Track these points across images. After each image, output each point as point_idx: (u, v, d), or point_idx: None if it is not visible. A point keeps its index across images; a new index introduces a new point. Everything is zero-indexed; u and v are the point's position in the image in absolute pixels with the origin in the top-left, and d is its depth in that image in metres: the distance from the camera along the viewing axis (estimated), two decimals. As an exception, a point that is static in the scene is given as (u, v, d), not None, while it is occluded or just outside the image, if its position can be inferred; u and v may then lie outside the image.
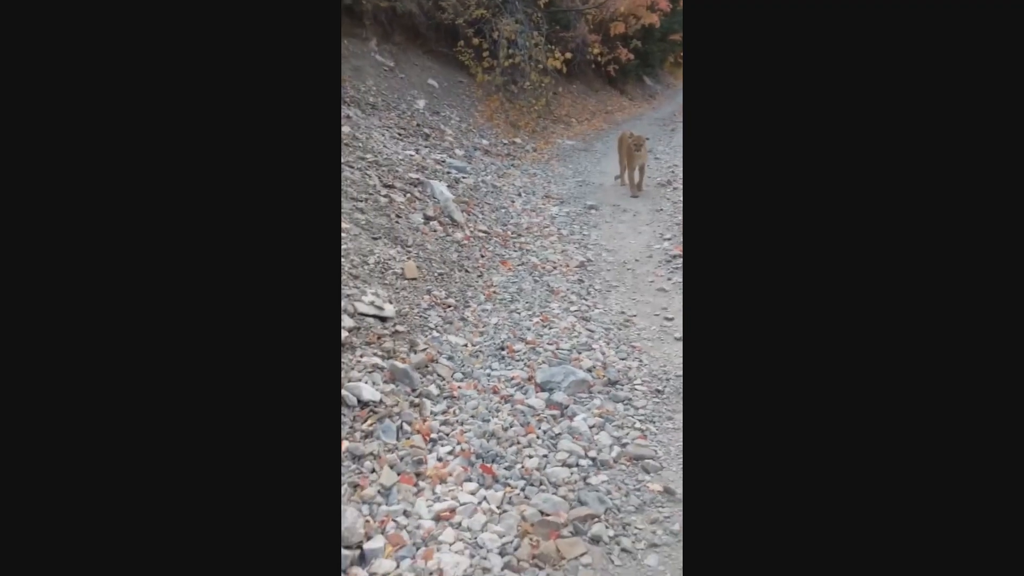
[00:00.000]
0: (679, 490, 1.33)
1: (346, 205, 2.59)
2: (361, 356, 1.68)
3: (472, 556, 1.15)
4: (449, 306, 2.24)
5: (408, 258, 2.40)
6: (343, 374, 1.54)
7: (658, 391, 1.77)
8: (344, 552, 1.11)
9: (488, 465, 1.40)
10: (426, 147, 4.42)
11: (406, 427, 1.50)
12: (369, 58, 5.39)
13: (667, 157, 5.71)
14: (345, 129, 3.54)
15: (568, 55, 6.78)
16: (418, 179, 3.26)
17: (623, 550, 1.20)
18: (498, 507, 1.28)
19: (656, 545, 1.21)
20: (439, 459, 1.41)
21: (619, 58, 8.66)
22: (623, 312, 2.36)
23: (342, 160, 3.03)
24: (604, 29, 8.37)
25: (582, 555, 1.17)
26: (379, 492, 1.29)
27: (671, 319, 2.27)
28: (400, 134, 4.45)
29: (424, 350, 1.84)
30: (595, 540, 1.21)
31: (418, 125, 4.96)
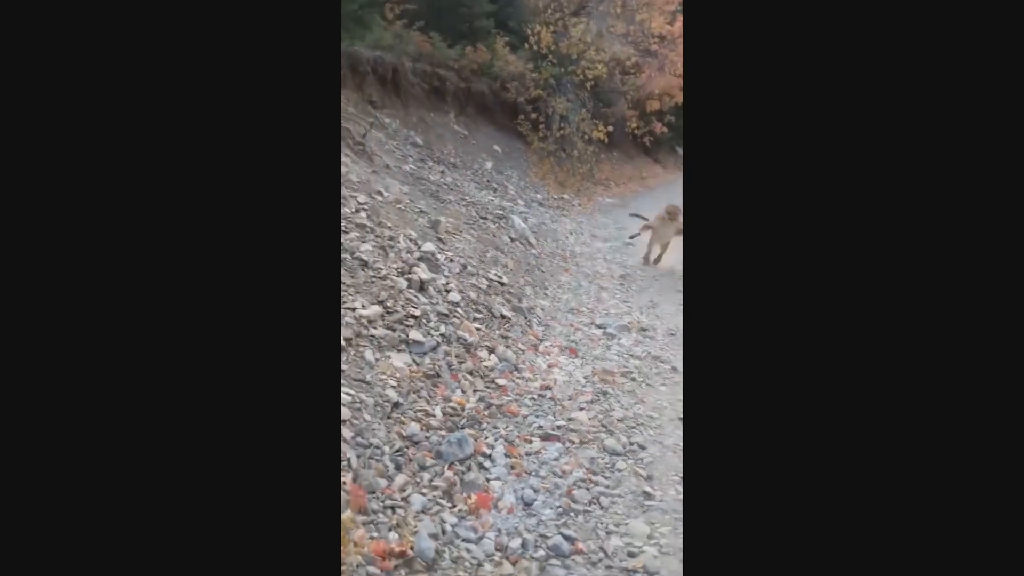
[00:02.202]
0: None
1: (462, 226, 4.12)
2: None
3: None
4: (534, 285, 3.71)
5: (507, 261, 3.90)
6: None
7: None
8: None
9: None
10: (495, 197, 6.04)
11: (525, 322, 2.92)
12: (449, 128, 7.19)
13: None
14: (448, 179, 5.19)
15: (609, 128, 8.54)
16: (501, 214, 4.82)
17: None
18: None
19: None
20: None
21: (654, 131, 10.45)
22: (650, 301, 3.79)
23: (447, 200, 4.58)
24: (641, 106, 10.21)
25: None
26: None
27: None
28: (477, 186, 6.10)
29: (528, 301, 3.29)
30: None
31: (487, 181, 6.63)
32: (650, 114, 10.29)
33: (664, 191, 9.15)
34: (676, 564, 1.42)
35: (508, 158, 7.63)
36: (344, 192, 3.14)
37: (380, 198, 3.43)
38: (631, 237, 5.07)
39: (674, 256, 4.64)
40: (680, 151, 12.91)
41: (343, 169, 3.36)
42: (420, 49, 6.85)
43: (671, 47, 9.52)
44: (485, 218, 4.64)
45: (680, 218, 4.47)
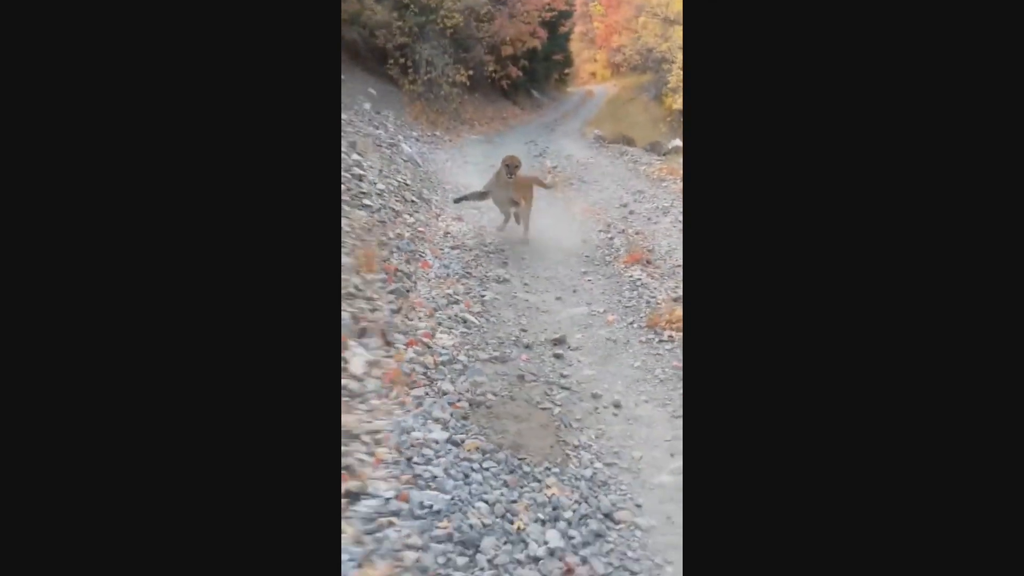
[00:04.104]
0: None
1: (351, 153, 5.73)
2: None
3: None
4: (429, 186, 5.47)
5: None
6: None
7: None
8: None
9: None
10: (380, 131, 7.60)
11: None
12: (327, 72, 8.53)
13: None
14: (344, 116, 6.68)
15: (470, 72, 10.29)
16: (392, 142, 6.48)
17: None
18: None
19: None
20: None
21: (510, 75, 12.36)
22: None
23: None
24: (496, 51, 12.02)
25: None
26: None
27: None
28: (362, 122, 7.59)
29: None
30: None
31: (369, 119, 8.12)
32: (505, 58, 12.16)
33: (523, 130, 11.18)
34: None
35: (383, 100, 9.11)
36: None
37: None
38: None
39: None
40: (536, 95, 15.03)
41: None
42: None
43: (518, -4, 11.44)
44: (380, 145, 6.26)
45: (519, 171, 4.09)
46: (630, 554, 1.62)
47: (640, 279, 3.71)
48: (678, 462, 1.99)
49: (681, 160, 7.46)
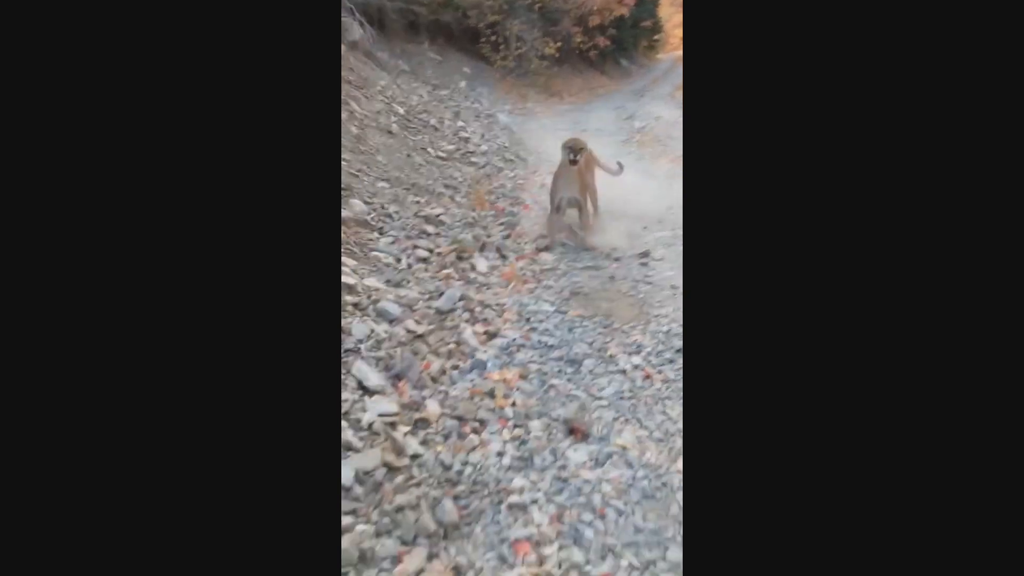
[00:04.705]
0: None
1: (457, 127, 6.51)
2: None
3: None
4: (527, 148, 6.17)
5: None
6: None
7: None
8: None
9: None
10: (476, 105, 8.39)
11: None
12: (426, 56, 9.41)
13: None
14: (439, 94, 7.53)
15: (559, 44, 10.87)
16: (489, 114, 7.25)
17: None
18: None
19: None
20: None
21: (598, 45, 12.80)
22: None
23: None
24: (584, 22, 12.49)
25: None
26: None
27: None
28: (460, 97, 8.42)
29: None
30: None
31: (465, 96, 8.95)
32: (593, 29, 12.61)
33: (612, 98, 11.62)
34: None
35: (477, 77, 9.93)
36: (388, 95, 5.48)
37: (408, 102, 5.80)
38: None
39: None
40: (624, 63, 15.32)
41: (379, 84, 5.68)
42: (394, -11, 8.98)
43: (604, -34, 11.85)
44: (478, 117, 7.04)
45: (585, 153, 3.54)
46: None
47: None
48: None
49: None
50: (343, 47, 5.89)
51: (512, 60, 10.25)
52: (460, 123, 5.86)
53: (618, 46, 14.30)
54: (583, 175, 3.60)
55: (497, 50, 10.25)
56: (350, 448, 1.60)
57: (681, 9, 21.72)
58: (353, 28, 6.66)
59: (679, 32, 21.96)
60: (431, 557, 1.41)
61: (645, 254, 3.44)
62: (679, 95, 11.14)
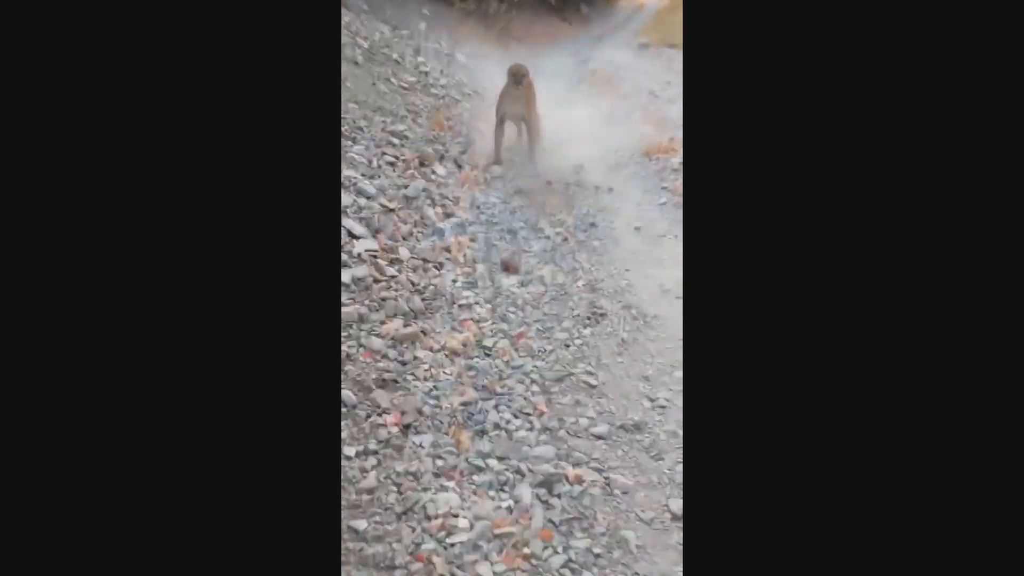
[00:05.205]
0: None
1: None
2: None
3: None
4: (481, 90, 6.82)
5: (461, 73, 6.95)
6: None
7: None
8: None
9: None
10: (436, 46, 8.91)
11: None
12: (385, -6, 9.78)
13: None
14: (404, 32, 8.04)
15: (518, -12, 11.34)
16: (447, 54, 7.81)
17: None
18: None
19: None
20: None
21: (558, -10, 13.25)
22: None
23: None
24: (544, -33, 12.92)
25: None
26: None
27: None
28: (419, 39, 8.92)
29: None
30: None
31: (425, 38, 9.43)
32: (552, -26, 13.05)
33: (570, 43, 12.20)
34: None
35: (437, 19, 10.38)
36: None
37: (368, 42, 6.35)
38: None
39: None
40: (585, 10, 15.82)
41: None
42: (354, -74, 9.30)
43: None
44: (438, 56, 7.61)
45: (526, 82, 4.25)
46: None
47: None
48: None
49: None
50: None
51: (471, 3, 10.72)
52: (420, 59, 6.45)
53: (578, -8, 14.78)
54: (527, 98, 4.31)
55: (457, -8, 10.70)
56: (346, 265, 2.34)
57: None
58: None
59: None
60: (406, 325, 2.17)
61: (579, 168, 4.19)
62: (634, 40, 11.77)
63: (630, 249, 3.08)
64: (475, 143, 4.63)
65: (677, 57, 9.28)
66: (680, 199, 3.71)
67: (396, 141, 4.03)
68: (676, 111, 5.91)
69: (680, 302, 2.50)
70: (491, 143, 4.58)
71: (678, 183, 3.85)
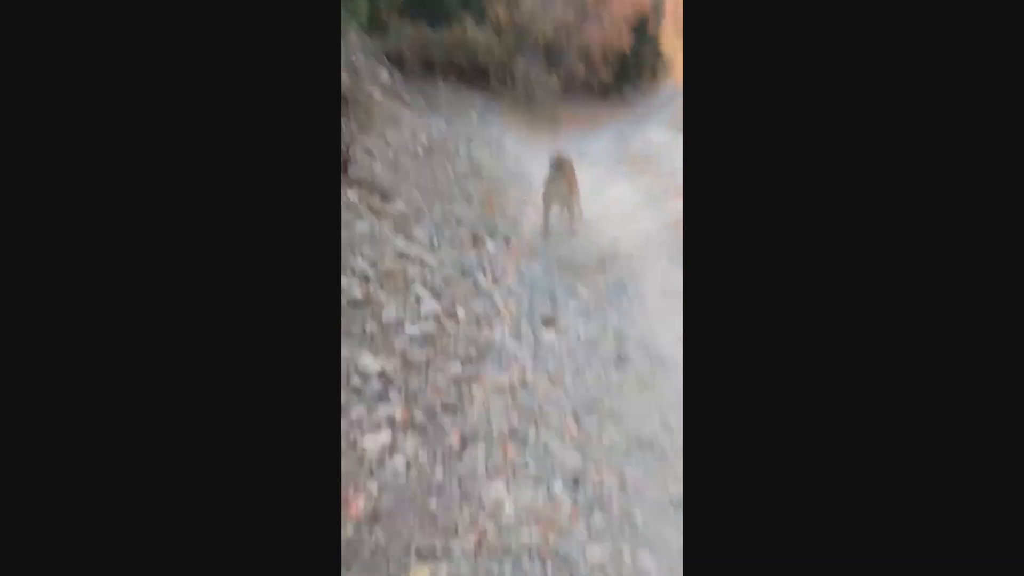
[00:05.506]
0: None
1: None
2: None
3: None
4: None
5: (510, 159, 7.79)
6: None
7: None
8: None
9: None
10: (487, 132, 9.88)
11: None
12: (441, 93, 10.98)
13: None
14: (458, 123, 9.04)
15: (562, 77, 12.46)
16: (499, 142, 8.72)
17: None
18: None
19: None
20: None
21: (600, 77, 14.38)
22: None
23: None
24: (588, 58, 14.10)
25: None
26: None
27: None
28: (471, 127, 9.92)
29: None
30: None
31: (477, 127, 10.46)
32: (595, 62, 14.20)
33: (613, 125, 13.14)
34: None
35: (488, 110, 11.50)
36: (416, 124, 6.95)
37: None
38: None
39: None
40: (627, 93, 16.92)
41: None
42: (413, 33, 10.62)
43: (603, 5, 13.51)
44: (489, 144, 8.52)
45: (568, 168, 5.03)
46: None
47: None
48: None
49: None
50: (375, 89, 7.43)
51: (520, 94, 11.83)
52: (473, 148, 7.31)
53: (621, 77, 15.92)
54: (568, 183, 5.05)
55: (505, 84, 11.84)
56: (413, 323, 2.95)
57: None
58: (381, 72, 8.22)
59: (681, 58, 23.49)
60: (464, 368, 2.73)
61: (615, 240, 4.77)
62: (673, 120, 12.58)
63: (653, 308, 3.62)
64: (521, 223, 5.31)
65: (713, 135, 9.95)
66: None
67: (453, 223, 4.74)
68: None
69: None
70: (536, 222, 5.26)
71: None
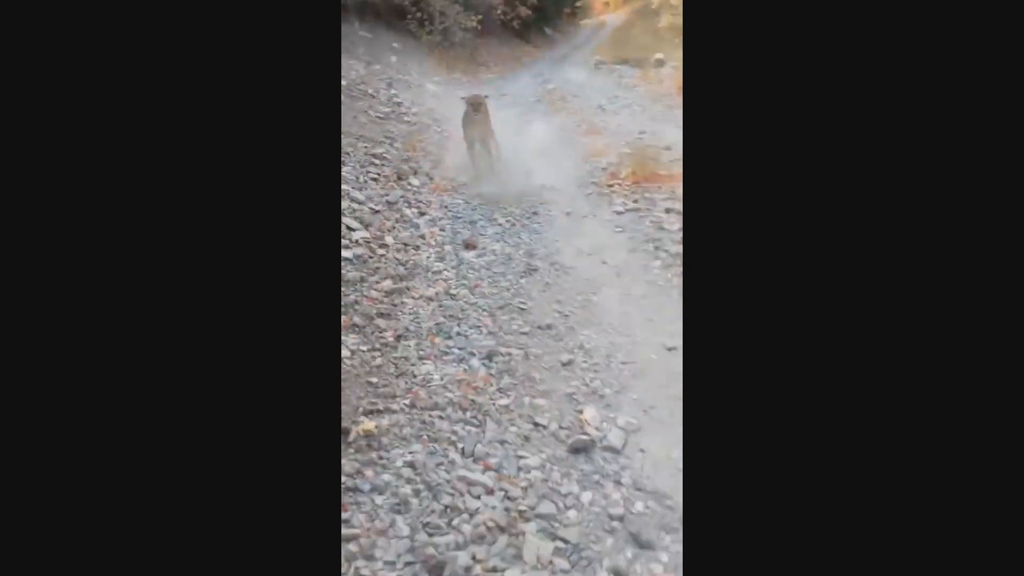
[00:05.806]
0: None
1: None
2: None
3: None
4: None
5: (431, 101, 8.09)
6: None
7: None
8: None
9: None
10: (406, 77, 10.07)
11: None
12: (357, 35, 11.01)
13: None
14: (377, 67, 9.21)
15: (480, 17, 12.63)
16: (419, 85, 8.98)
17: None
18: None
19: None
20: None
21: (520, 15, 14.58)
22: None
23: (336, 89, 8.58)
24: (505, -6, 14.23)
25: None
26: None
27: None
28: (391, 72, 10.08)
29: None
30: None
31: (396, 70, 10.61)
32: (513, 3, 14.37)
33: (535, 65, 13.47)
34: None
35: (406, 52, 11.60)
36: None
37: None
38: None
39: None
40: (548, 32, 17.15)
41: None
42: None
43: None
44: (409, 87, 8.76)
45: (483, 109, 5.28)
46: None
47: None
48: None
49: (657, 71, 9.65)
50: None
51: (437, 34, 11.96)
52: (393, 91, 7.57)
53: (540, 15, 16.12)
54: (486, 122, 5.49)
55: (423, 25, 11.94)
56: (346, 247, 3.39)
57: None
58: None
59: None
60: (395, 284, 3.22)
61: (529, 173, 5.29)
62: (594, 58, 13.02)
63: (560, 227, 4.19)
64: (444, 161, 5.73)
65: (627, 72, 10.53)
66: (605, 190, 4.90)
67: (377, 162, 5.12)
68: (617, 121, 7.08)
69: (589, 258, 3.68)
70: (456, 160, 5.70)
71: (602, 178, 5.08)
